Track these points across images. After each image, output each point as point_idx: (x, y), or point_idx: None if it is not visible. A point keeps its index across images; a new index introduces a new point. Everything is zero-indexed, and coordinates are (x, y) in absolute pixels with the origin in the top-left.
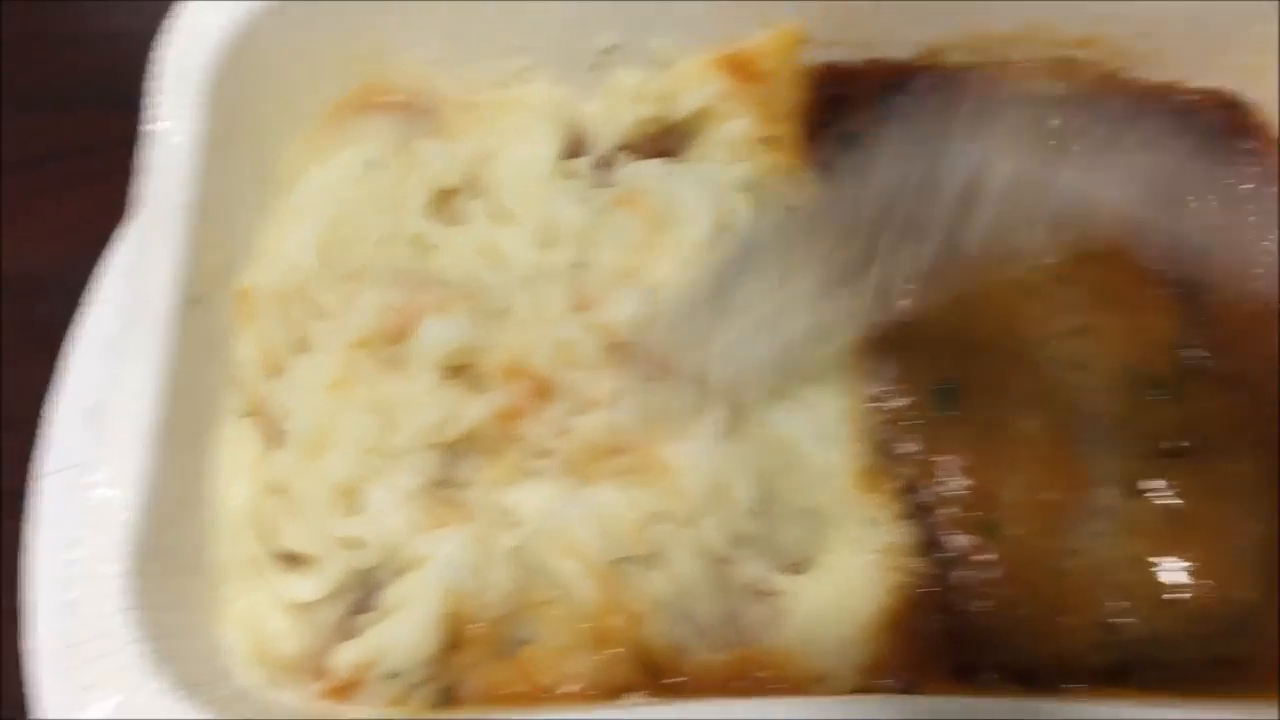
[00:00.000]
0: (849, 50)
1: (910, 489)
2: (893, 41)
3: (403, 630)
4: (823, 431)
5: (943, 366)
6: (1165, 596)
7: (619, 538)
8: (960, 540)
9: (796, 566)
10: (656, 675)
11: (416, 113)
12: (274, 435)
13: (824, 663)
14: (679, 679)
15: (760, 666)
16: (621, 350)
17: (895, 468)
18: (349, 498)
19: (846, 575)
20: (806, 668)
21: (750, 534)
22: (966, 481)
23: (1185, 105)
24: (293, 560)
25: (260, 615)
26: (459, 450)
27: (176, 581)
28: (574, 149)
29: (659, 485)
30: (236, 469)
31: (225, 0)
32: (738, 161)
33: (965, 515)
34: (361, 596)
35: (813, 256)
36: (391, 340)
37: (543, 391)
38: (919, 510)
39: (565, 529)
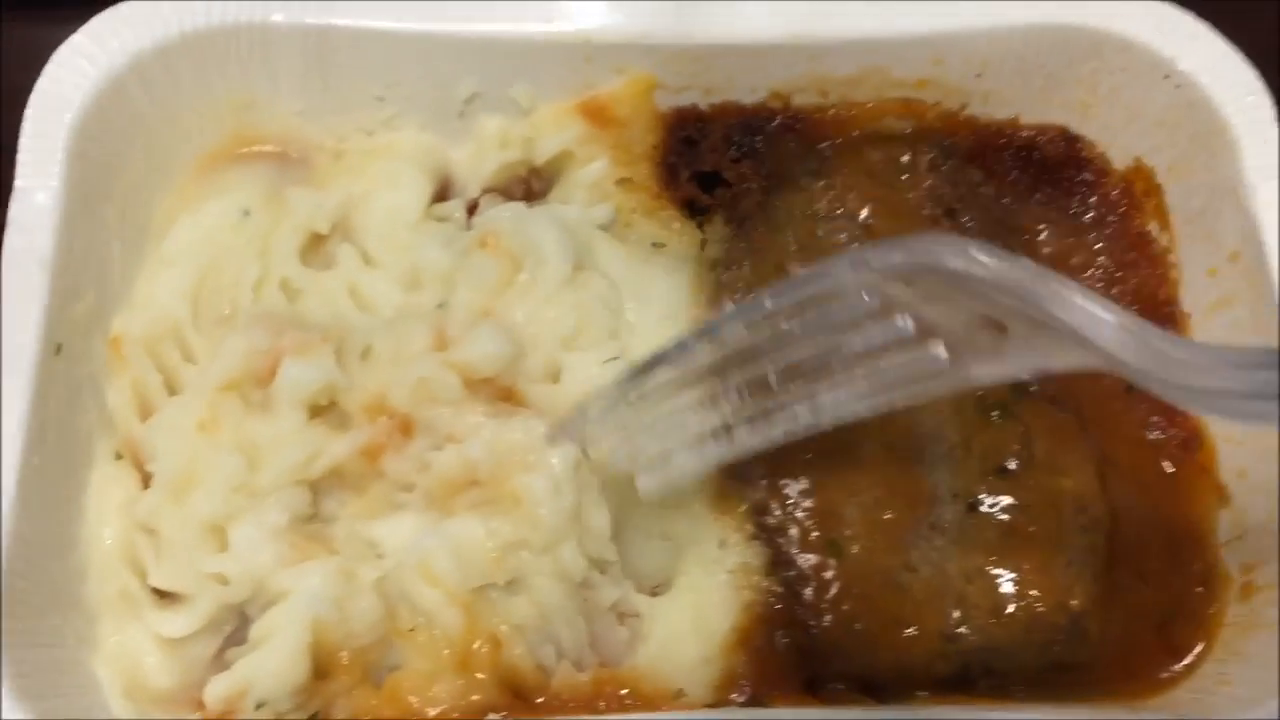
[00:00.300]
0: (700, 95)
1: (759, 511)
2: (740, 86)
3: (270, 661)
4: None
5: None
6: (1002, 607)
7: (479, 566)
8: (806, 559)
9: (655, 589)
10: (522, 696)
11: (288, 162)
12: (146, 476)
13: (681, 680)
14: (542, 700)
15: (621, 685)
16: (478, 386)
17: (744, 491)
18: (216, 535)
19: (700, 596)
20: (664, 685)
21: (609, 559)
22: (811, 503)
23: (1025, 141)
24: (166, 597)
25: (134, 650)
26: (324, 487)
27: (48, 620)
28: (443, 193)
29: (515, 515)
30: (108, 510)
31: (90, 59)
32: (597, 202)
33: (811, 535)
34: (236, 630)
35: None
36: (258, 383)
37: (404, 428)
38: (767, 531)
39: (427, 559)
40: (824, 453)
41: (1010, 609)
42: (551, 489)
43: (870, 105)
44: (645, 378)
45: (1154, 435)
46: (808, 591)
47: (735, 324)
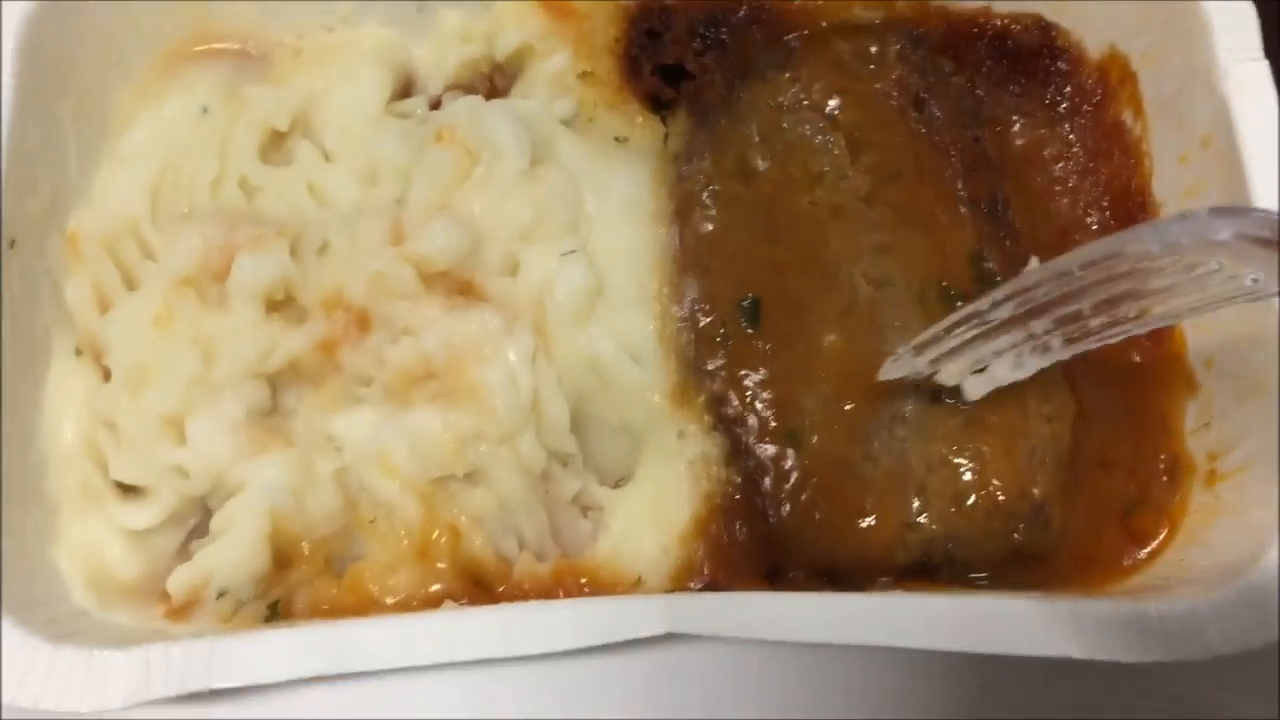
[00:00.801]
0: None
1: (718, 401)
2: None
3: (229, 551)
4: (633, 351)
5: (746, 284)
6: (963, 496)
7: (437, 457)
8: (765, 448)
9: (618, 482)
10: (482, 585)
11: (249, 59)
12: (106, 372)
13: (640, 568)
14: (503, 589)
15: (580, 574)
16: (435, 280)
17: (703, 382)
18: (175, 429)
19: (659, 487)
20: (623, 574)
21: (568, 451)
22: (770, 393)
23: (998, 30)
24: (129, 491)
25: (97, 542)
26: (283, 381)
27: (8, 509)
28: (407, 90)
29: (472, 406)
30: (68, 404)
31: None
32: (559, 96)
33: (770, 425)
34: (200, 523)
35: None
36: (214, 278)
37: (361, 322)
38: (726, 421)
39: (384, 450)
40: (783, 343)
41: (971, 498)
42: (508, 380)
43: None
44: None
45: None
46: (767, 481)
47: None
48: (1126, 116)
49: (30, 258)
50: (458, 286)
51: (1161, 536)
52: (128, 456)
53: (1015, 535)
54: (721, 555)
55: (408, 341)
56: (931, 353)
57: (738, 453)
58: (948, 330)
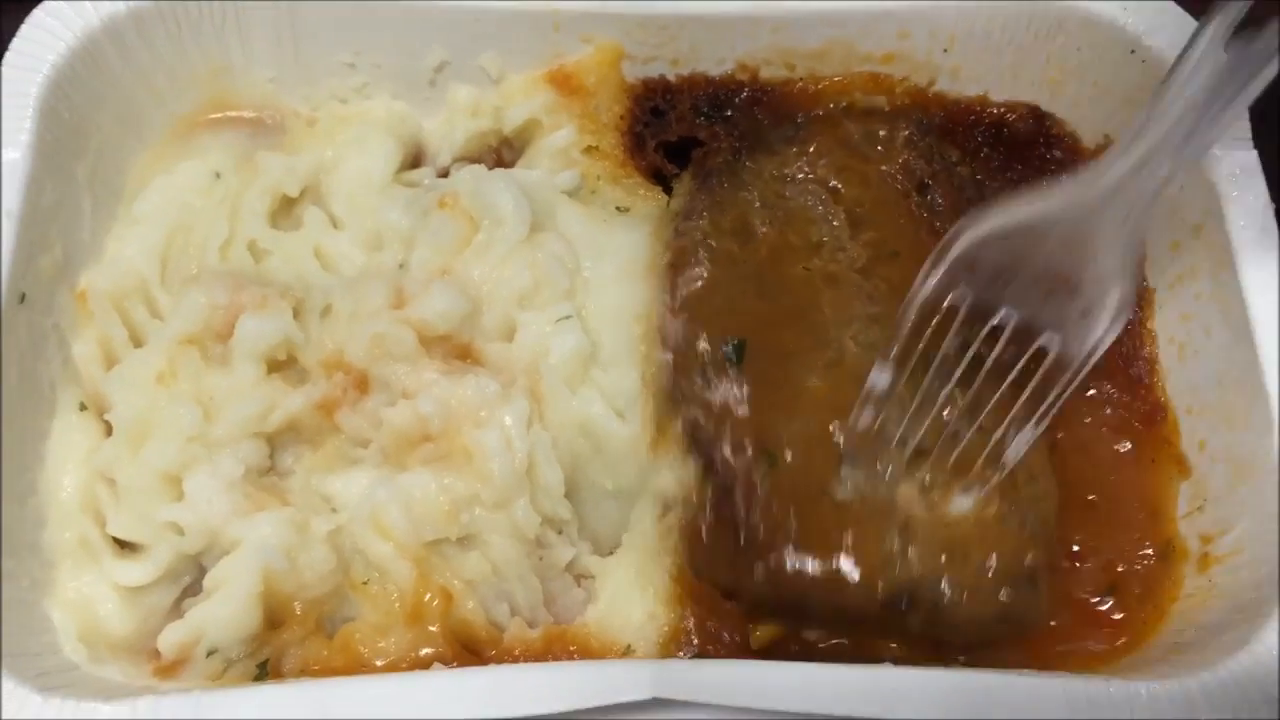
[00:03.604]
0: (667, 66)
1: (694, 427)
2: (707, 58)
3: (221, 609)
4: (621, 407)
5: (734, 331)
6: (953, 542)
7: (431, 520)
8: (738, 461)
9: (610, 548)
10: (472, 650)
11: (263, 128)
12: (109, 427)
13: (629, 635)
14: (493, 654)
15: (571, 642)
16: (434, 344)
17: (679, 408)
18: (173, 485)
19: (644, 550)
20: (613, 641)
21: (563, 517)
22: (749, 417)
23: (995, 118)
24: (125, 547)
25: (92, 597)
26: (281, 441)
27: (5, 563)
28: (417, 162)
29: (467, 470)
30: (70, 459)
31: (64, 21)
32: (564, 169)
33: (745, 445)
34: (194, 581)
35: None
36: (217, 337)
37: (360, 384)
38: (701, 444)
39: (379, 512)
40: (766, 382)
41: (962, 546)
42: (503, 444)
43: (838, 79)
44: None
45: (1116, 412)
46: (737, 495)
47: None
48: None
49: (39, 313)
50: (456, 350)
51: (1152, 621)
52: (125, 512)
53: (1003, 595)
54: (707, 621)
55: (405, 404)
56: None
57: (710, 472)
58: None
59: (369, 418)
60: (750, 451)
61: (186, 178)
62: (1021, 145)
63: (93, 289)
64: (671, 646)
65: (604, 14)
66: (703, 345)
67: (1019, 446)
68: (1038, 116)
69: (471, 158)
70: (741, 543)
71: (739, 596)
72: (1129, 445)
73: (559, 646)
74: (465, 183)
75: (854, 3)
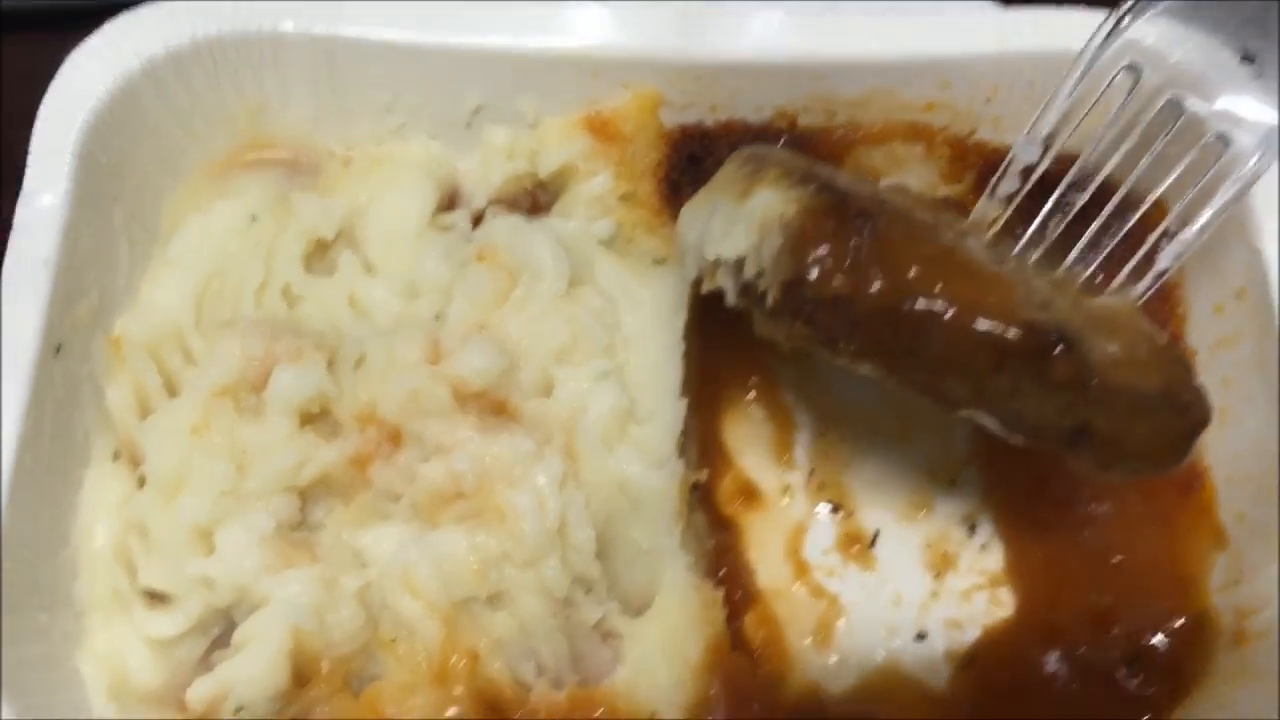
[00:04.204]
0: (705, 112)
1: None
2: (746, 105)
3: (250, 666)
4: (655, 460)
5: None
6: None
7: (461, 579)
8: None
9: (637, 608)
10: (498, 711)
11: (299, 168)
12: (143, 477)
13: (656, 701)
14: (519, 716)
15: (597, 705)
16: (469, 399)
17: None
18: (204, 538)
19: (675, 616)
20: (639, 706)
21: (594, 577)
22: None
23: None
24: (155, 598)
25: (121, 649)
26: (313, 494)
27: (37, 616)
28: (450, 203)
29: (499, 529)
30: (103, 509)
31: (103, 62)
32: (600, 217)
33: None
34: (223, 633)
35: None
36: (252, 388)
37: (393, 438)
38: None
39: (409, 570)
40: None
41: (1118, 325)
42: (536, 504)
43: (878, 128)
44: None
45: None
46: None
47: None
48: None
49: (75, 362)
50: (492, 406)
51: (1180, 694)
52: (157, 564)
53: (1168, 372)
54: (737, 690)
55: (439, 460)
56: None
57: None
58: None
59: (402, 473)
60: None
61: (222, 219)
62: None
63: (127, 336)
64: (697, 714)
65: (643, 61)
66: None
67: (1179, 248)
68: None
69: (506, 200)
70: (855, 248)
71: (804, 309)
72: (1165, 512)
73: (584, 710)
74: (504, 235)
75: (896, 51)
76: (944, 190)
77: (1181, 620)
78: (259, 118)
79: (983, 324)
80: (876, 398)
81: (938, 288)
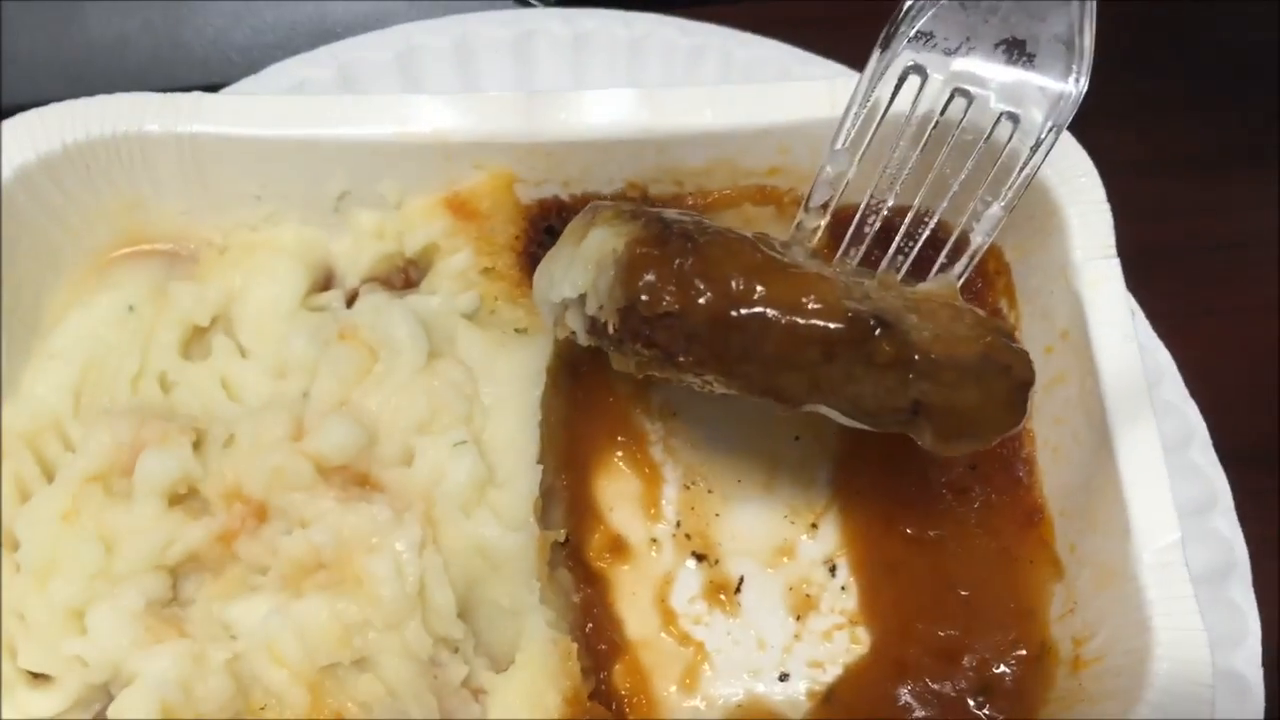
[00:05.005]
0: (559, 187)
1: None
2: (598, 178)
3: None
4: (512, 523)
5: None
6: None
7: (325, 646)
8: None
9: (502, 664)
10: None
11: (178, 259)
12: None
13: None
14: None
15: None
16: (332, 473)
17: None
18: (78, 619)
19: (535, 669)
20: None
21: (457, 636)
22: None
23: (886, 222)
24: (39, 678)
25: None
26: (184, 570)
27: None
28: (327, 283)
29: (359, 595)
30: None
31: None
32: (463, 291)
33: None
34: (104, 708)
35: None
36: (122, 473)
37: (259, 514)
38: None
39: (273, 640)
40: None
41: (934, 310)
42: (394, 570)
43: (727, 192)
44: None
45: (996, 512)
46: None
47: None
48: (1003, 305)
49: None
50: (354, 478)
51: None
52: (34, 646)
53: (987, 340)
54: None
55: (300, 533)
56: None
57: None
58: None
59: (267, 546)
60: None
61: (101, 311)
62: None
63: (8, 427)
64: None
65: (491, 143)
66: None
67: (987, 227)
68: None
69: (380, 278)
70: (678, 267)
71: (642, 331)
72: (1007, 545)
73: None
74: (365, 315)
75: (732, 122)
76: None
77: (1023, 650)
78: (135, 213)
79: (806, 320)
80: (742, 449)
81: (759, 293)
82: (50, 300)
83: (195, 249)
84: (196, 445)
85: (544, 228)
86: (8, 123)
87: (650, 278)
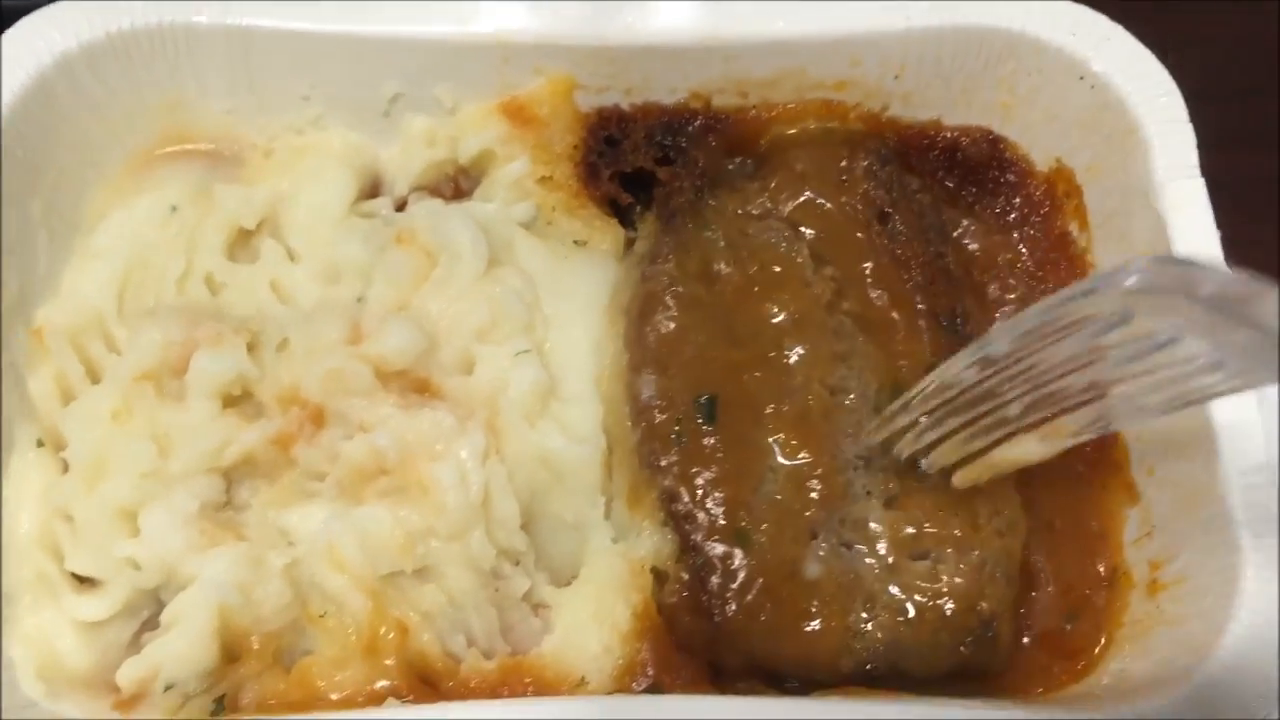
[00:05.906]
0: (620, 95)
1: (670, 498)
2: (659, 87)
3: (177, 645)
4: (577, 436)
5: (704, 383)
6: (911, 607)
7: (386, 553)
8: (714, 547)
9: (569, 578)
10: (429, 682)
11: (220, 160)
12: (65, 463)
13: (584, 667)
14: (451, 685)
15: (526, 673)
16: (392, 378)
17: (656, 479)
18: (129, 521)
19: (603, 585)
20: (568, 673)
21: (520, 549)
22: (721, 492)
23: (949, 142)
24: (84, 582)
25: (50, 633)
26: (238, 475)
27: None
28: (374, 191)
29: (422, 503)
30: (27, 496)
31: (16, 60)
32: (519, 200)
33: (718, 523)
34: (152, 615)
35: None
36: (173, 373)
37: (316, 418)
38: (677, 518)
39: (334, 546)
40: (735, 443)
41: (920, 609)
42: (458, 478)
43: (791, 106)
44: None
45: None
46: (714, 579)
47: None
48: (1073, 228)
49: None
50: (414, 384)
51: (1102, 646)
52: (83, 548)
53: (962, 649)
54: (664, 655)
55: (361, 438)
56: (902, 419)
57: (686, 549)
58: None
59: (325, 452)
60: (725, 530)
61: (143, 211)
62: (975, 168)
63: (49, 326)
64: (626, 679)
65: (554, 46)
66: (674, 406)
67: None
68: (991, 141)
69: (429, 187)
70: (716, 619)
71: (715, 662)
72: (1081, 467)
73: (514, 678)
74: (422, 218)
75: (804, 31)
76: None
77: (1105, 573)
78: (177, 111)
79: (817, 670)
80: None
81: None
82: (91, 198)
83: (238, 151)
84: (250, 348)
85: (603, 137)
86: (49, 9)
87: None
